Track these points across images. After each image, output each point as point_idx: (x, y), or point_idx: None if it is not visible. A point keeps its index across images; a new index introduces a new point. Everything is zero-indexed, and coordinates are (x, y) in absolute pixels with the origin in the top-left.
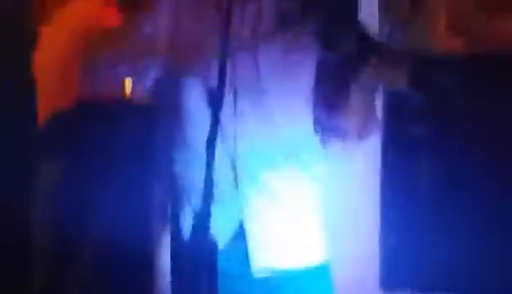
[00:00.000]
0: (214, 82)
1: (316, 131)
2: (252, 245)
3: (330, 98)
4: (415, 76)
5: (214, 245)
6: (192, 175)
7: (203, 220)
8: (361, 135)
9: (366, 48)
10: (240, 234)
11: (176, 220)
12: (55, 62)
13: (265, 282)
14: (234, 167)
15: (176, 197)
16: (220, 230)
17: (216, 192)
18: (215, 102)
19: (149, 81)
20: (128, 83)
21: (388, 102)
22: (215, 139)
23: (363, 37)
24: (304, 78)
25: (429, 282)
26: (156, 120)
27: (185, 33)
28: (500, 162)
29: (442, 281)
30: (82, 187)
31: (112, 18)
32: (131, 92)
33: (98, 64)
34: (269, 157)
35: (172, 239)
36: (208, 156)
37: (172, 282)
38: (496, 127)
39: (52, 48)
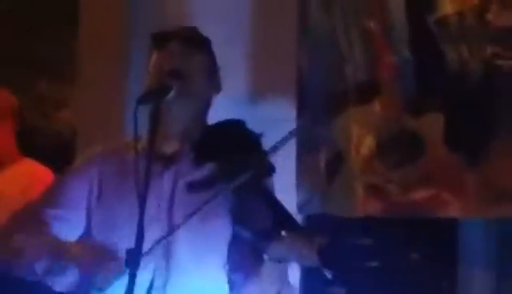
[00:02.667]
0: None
1: None
2: None
3: (244, 265)
4: (331, 244)
5: None
6: None
7: None
8: None
9: (278, 222)
10: None
11: None
12: None
13: None
14: None
15: None
16: None
17: None
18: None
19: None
20: None
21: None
22: None
23: (276, 210)
24: (220, 244)
25: None
26: None
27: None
28: None
29: None
30: None
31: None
32: None
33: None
34: None
35: None
36: None
37: None
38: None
39: None
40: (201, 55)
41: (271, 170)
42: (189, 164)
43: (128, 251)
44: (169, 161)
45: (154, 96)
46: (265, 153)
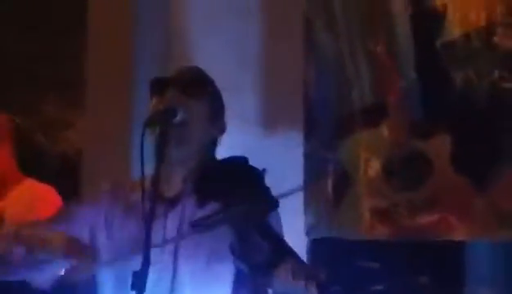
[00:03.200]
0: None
1: None
2: None
3: None
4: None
5: None
6: None
7: None
8: None
9: (278, 257)
10: None
11: None
12: None
13: None
14: None
15: None
16: None
17: None
18: None
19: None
20: None
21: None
22: None
23: (276, 245)
24: (224, 286)
25: None
26: None
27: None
28: None
29: None
30: None
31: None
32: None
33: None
34: None
35: None
36: None
37: None
38: None
39: None
40: (200, 103)
41: (274, 204)
42: (192, 205)
43: (135, 274)
44: (173, 202)
45: (161, 118)
46: (268, 189)
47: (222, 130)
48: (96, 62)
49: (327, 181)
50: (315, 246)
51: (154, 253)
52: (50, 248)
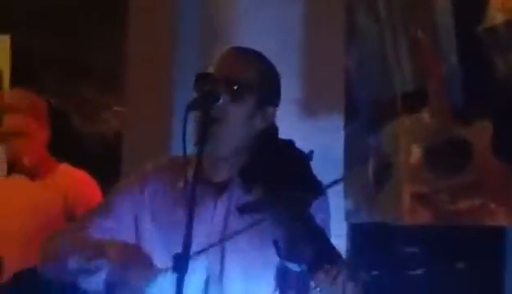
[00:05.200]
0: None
1: None
2: None
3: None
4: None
5: None
6: None
7: None
8: None
9: (320, 254)
10: None
11: None
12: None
13: None
14: None
15: None
16: None
17: None
18: None
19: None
20: None
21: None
22: None
23: (320, 242)
24: (267, 270)
25: None
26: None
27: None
28: None
29: None
30: None
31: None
32: None
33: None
34: None
35: None
36: None
37: None
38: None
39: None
40: (238, 105)
41: (320, 190)
42: (240, 191)
43: (176, 256)
44: (221, 189)
45: (203, 102)
46: (313, 174)
47: (265, 121)
48: (136, 46)
49: (368, 166)
50: (354, 230)
51: (201, 239)
52: (106, 257)
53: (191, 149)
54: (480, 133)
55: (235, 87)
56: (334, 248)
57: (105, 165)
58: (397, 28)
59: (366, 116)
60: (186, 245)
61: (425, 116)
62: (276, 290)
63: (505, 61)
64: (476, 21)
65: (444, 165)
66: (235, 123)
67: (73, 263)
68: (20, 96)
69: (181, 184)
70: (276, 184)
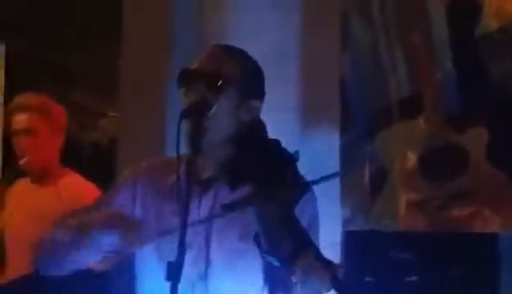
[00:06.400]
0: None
1: None
2: None
3: (278, 287)
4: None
5: None
6: None
7: None
8: None
9: (298, 248)
10: None
11: None
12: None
13: None
14: None
15: None
16: None
17: None
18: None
19: (103, 251)
20: None
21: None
22: None
23: (298, 236)
24: (253, 265)
25: None
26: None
27: (145, 212)
28: None
29: None
30: None
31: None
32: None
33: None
34: None
35: None
36: None
37: None
38: None
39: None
40: (223, 98)
41: (305, 188)
42: (225, 188)
43: (170, 264)
44: (206, 185)
45: (197, 110)
46: (298, 173)
47: (251, 115)
48: (132, 52)
49: (364, 173)
50: (350, 238)
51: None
52: (93, 226)
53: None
54: (475, 140)
55: (220, 81)
56: (311, 241)
57: (100, 171)
58: (391, 35)
59: (361, 123)
60: (180, 253)
61: (421, 123)
62: (264, 285)
63: (501, 68)
64: (471, 28)
65: (439, 172)
66: (221, 115)
67: (63, 235)
68: (30, 97)
69: (172, 181)
70: (262, 183)
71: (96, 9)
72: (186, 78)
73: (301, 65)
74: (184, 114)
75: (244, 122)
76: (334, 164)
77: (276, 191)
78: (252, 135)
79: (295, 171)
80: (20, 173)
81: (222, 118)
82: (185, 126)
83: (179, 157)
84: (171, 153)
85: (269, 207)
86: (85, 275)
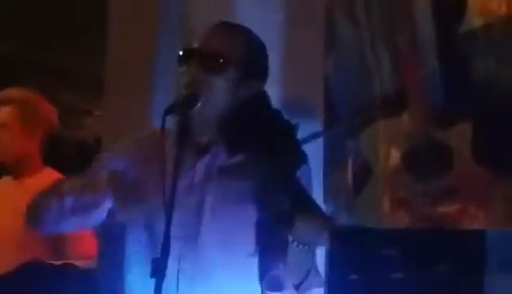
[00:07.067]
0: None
1: (259, 283)
2: None
3: (271, 248)
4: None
5: None
6: None
7: None
8: (301, 288)
9: (298, 206)
10: None
11: None
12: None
13: None
14: None
15: None
16: None
17: None
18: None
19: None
20: None
21: (331, 256)
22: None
23: (298, 195)
24: (249, 231)
25: None
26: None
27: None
28: None
29: None
30: None
31: None
32: None
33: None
34: None
35: None
36: None
37: None
38: None
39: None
40: (223, 76)
41: (303, 159)
42: (223, 154)
43: (154, 261)
44: (203, 150)
45: (181, 107)
46: (298, 143)
47: (256, 88)
48: (117, 51)
49: (347, 170)
50: (333, 234)
51: (180, 197)
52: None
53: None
54: (460, 137)
55: (221, 61)
56: (311, 198)
57: (84, 169)
58: (376, 33)
59: (345, 120)
60: (165, 250)
61: (405, 119)
62: (256, 249)
63: (485, 65)
64: (455, 25)
65: (424, 168)
66: (219, 94)
67: (69, 201)
68: (13, 91)
69: (165, 148)
70: (262, 150)
71: (81, 8)
72: (187, 57)
73: (285, 63)
74: (168, 112)
75: (241, 100)
76: (317, 161)
77: (275, 158)
78: (252, 105)
79: (295, 141)
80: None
81: (220, 94)
82: (174, 120)
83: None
84: None
85: (268, 168)
86: (72, 272)
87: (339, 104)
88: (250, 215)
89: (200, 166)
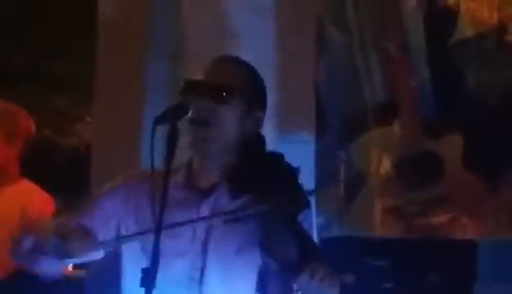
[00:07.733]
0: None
1: None
2: None
3: None
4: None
5: None
6: None
7: None
8: None
9: (304, 256)
10: None
11: None
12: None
13: None
14: None
15: None
16: None
17: None
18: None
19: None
20: None
21: None
22: None
23: (304, 244)
24: (252, 275)
25: None
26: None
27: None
28: None
29: None
30: None
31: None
32: None
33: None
34: None
35: None
36: None
37: None
38: None
39: None
40: (229, 108)
41: (306, 203)
42: (226, 196)
43: (144, 271)
44: (207, 193)
45: (171, 116)
46: (301, 188)
47: (255, 126)
48: (107, 58)
49: (339, 179)
50: (326, 244)
51: (183, 242)
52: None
53: (160, 163)
54: (450, 146)
55: (225, 93)
56: (319, 251)
57: (75, 176)
58: (367, 40)
59: (336, 129)
60: (154, 260)
61: (396, 129)
62: (260, 282)
63: (476, 74)
64: (447, 34)
65: (415, 178)
66: (227, 126)
67: (27, 243)
68: None
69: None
70: (264, 194)
71: (71, 14)
72: (191, 88)
73: (276, 71)
74: (157, 121)
75: (247, 133)
76: (309, 170)
77: (279, 201)
78: (254, 146)
79: (298, 185)
80: None
81: (226, 128)
82: (164, 130)
83: (153, 166)
84: (145, 158)
85: (273, 215)
86: (61, 281)
87: (331, 113)
88: (254, 260)
89: (204, 208)
